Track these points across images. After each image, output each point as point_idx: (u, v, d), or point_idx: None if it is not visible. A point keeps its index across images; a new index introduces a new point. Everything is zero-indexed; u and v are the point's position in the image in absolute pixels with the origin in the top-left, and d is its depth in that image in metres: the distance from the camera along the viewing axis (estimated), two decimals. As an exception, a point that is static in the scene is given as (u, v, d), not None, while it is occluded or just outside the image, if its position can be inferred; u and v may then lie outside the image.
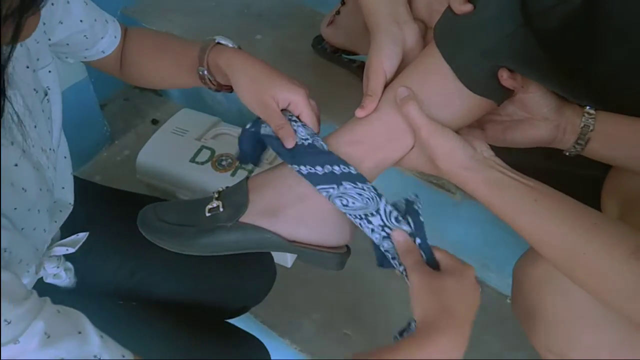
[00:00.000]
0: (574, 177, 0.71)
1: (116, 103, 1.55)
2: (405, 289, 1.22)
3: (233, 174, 1.18)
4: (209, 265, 0.88)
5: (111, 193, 0.96)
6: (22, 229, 0.59)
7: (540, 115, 0.66)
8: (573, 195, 0.60)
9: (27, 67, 0.64)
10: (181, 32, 1.33)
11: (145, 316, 0.83)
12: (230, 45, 0.74)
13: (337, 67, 1.23)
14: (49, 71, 0.70)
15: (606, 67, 0.64)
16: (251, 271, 0.93)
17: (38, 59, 0.68)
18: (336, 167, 0.64)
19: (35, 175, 0.62)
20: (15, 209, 0.58)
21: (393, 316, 1.18)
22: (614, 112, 0.65)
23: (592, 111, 0.65)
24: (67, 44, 0.75)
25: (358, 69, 1.20)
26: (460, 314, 0.58)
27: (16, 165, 0.58)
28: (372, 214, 0.64)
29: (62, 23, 0.72)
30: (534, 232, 0.60)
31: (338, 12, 1.19)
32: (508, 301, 1.19)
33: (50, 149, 0.67)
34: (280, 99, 0.68)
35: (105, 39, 0.79)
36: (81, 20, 0.74)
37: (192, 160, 1.20)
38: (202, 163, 1.20)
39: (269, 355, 0.89)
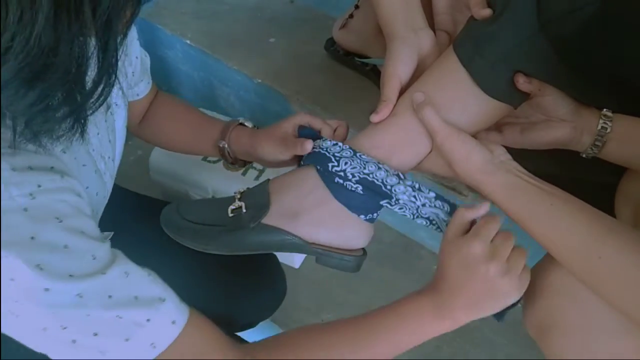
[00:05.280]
0: (586, 184, 0.71)
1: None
2: (414, 289, 1.22)
3: (244, 174, 1.19)
4: (220, 278, 0.89)
5: (129, 197, 0.98)
6: None
7: (557, 117, 0.67)
8: (584, 201, 0.61)
9: None
10: (195, 35, 1.34)
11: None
12: (250, 125, 0.84)
13: (350, 70, 1.24)
14: (119, 88, 0.72)
15: (623, 71, 0.64)
16: (262, 287, 0.94)
17: None
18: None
19: (95, 178, 0.64)
20: None
21: (403, 318, 1.19)
22: (632, 115, 0.65)
23: (609, 113, 0.65)
24: (125, 74, 0.77)
25: (371, 71, 1.20)
26: (473, 298, 0.60)
27: (84, 165, 0.62)
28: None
29: (126, 55, 0.75)
30: (550, 236, 0.60)
31: (351, 16, 1.19)
32: (519, 305, 1.19)
33: (108, 157, 0.69)
34: (290, 127, 0.76)
35: (143, 82, 0.83)
36: (137, 57, 0.78)
37: (204, 159, 1.21)
38: (214, 162, 1.21)
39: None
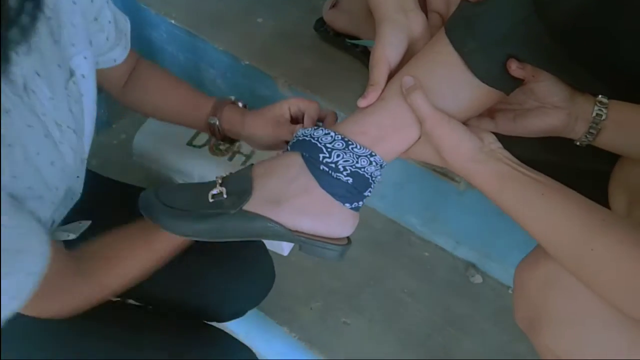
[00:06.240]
0: (578, 171, 0.69)
1: (114, 86, 1.52)
2: (406, 276, 1.21)
3: (230, 159, 1.17)
4: (207, 266, 0.89)
5: (113, 185, 0.96)
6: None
7: (551, 104, 0.65)
8: (577, 190, 0.59)
9: (55, 42, 0.65)
10: (180, 15, 1.30)
11: (132, 316, 0.84)
12: (241, 105, 0.87)
13: (340, 52, 1.21)
14: (85, 57, 0.71)
15: (620, 56, 0.63)
16: (250, 275, 0.93)
17: (73, 44, 0.69)
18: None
19: (45, 143, 0.63)
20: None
21: (392, 305, 1.18)
22: (628, 101, 0.64)
23: (604, 100, 0.64)
24: (90, 42, 0.76)
25: (361, 53, 1.17)
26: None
27: (30, 126, 0.60)
28: None
29: (96, 20, 0.74)
30: (541, 227, 0.59)
31: (341, -5, 1.16)
32: (510, 292, 1.18)
33: (67, 127, 0.67)
34: (282, 110, 0.79)
35: (119, 47, 0.82)
36: (109, 22, 0.77)
37: (189, 143, 1.18)
38: (200, 146, 1.18)
39: (254, 355, 0.89)
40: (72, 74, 0.69)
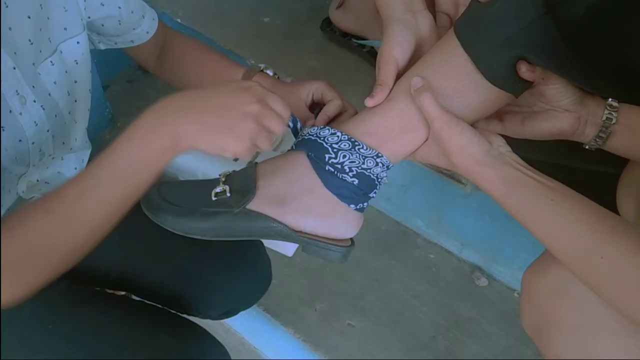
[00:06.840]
0: (587, 173, 0.69)
1: (119, 85, 1.53)
2: (411, 278, 1.21)
3: (236, 159, 1.16)
4: (201, 263, 0.88)
5: None
6: None
7: (560, 107, 0.64)
8: (586, 191, 0.58)
9: (29, 18, 0.65)
10: (186, 13, 1.30)
11: (115, 309, 0.82)
12: (271, 74, 0.83)
13: (346, 52, 1.20)
14: (77, 42, 0.72)
15: (631, 58, 0.61)
16: (245, 275, 0.92)
17: (66, 28, 0.70)
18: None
19: None
20: None
21: (397, 307, 1.17)
22: (639, 105, 0.63)
23: (615, 103, 0.63)
24: (102, 25, 0.78)
25: (368, 54, 1.17)
26: None
27: None
28: None
29: (103, 5, 0.75)
30: (550, 232, 0.58)
31: (348, -5, 1.16)
32: (516, 295, 1.17)
33: (32, 101, 0.67)
34: (306, 94, 0.76)
35: (137, 30, 0.82)
36: (119, 7, 0.77)
37: (194, 144, 1.18)
38: (204, 146, 1.18)
39: (228, 355, 0.87)
40: (52, 53, 0.70)
